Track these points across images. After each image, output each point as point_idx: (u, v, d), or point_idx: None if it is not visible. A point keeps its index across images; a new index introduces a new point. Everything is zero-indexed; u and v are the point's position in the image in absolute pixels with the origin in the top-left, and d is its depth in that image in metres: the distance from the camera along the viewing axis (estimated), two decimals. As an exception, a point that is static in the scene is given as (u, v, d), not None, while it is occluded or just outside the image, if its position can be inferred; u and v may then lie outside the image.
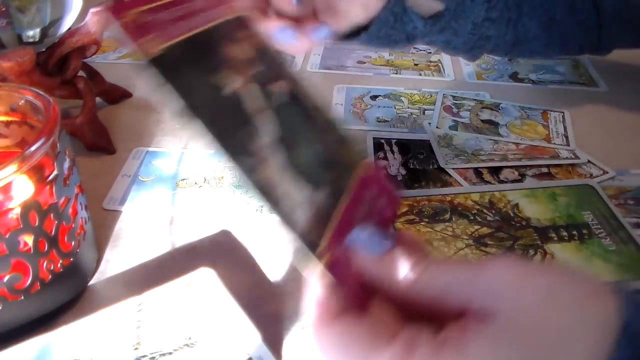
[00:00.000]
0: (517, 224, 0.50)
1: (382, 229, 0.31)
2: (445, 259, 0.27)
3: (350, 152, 0.34)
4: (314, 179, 0.30)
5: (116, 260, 0.47)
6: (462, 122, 0.66)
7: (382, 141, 0.63)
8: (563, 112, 0.69)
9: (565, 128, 0.66)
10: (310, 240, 0.27)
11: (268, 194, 0.27)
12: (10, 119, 0.45)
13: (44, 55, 0.60)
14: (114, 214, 0.52)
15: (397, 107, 0.70)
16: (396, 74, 0.78)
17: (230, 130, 0.28)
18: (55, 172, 0.39)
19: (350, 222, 0.30)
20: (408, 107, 0.70)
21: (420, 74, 0.78)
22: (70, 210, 0.41)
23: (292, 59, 0.80)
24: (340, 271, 0.28)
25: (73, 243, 0.42)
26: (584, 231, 0.50)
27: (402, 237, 0.31)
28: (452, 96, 0.72)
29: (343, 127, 0.35)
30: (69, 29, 0.61)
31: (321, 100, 0.35)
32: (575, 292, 0.24)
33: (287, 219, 0.27)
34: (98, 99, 0.66)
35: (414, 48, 0.85)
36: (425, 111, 0.69)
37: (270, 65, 0.33)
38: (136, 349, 0.39)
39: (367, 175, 0.33)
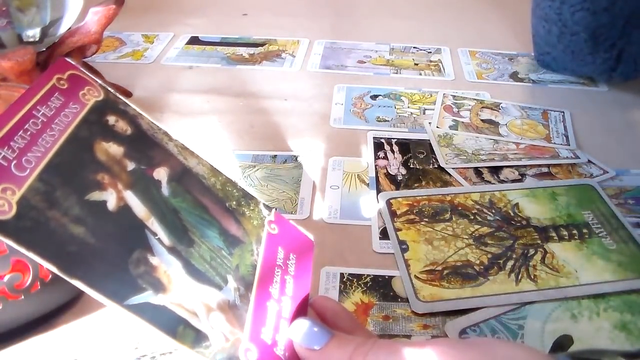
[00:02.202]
0: (517, 224, 0.50)
1: (304, 307, 0.31)
2: (383, 342, 0.27)
3: (254, 211, 0.34)
4: (217, 276, 0.29)
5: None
6: (462, 122, 0.66)
7: (382, 141, 0.63)
8: (563, 112, 0.69)
9: (565, 128, 0.66)
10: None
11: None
12: (10, 118, 0.45)
13: (44, 55, 0.60)
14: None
15: (397, 106, 0.70)
16: (396, 73, 0.78)
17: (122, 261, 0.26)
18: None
19: (266, 312, 0.29)
20: (408, 107, 0.70)
21: (420, 74, 0.78)
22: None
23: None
24: None
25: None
26: (584, 230, 0.50)
27: (335, 312, 0.32)
28: (452, 96, 0.72)
29: (240, 186, 0.34)
30: (69, 28, 0.61)
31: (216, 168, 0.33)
32: None
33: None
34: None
35: (414, 48, 0.85)
36: (426, 111, 0.69)
37: (145, 150, 0.31)
38: (136, 348, 0.39)
39: (274, 234, 0.33)
